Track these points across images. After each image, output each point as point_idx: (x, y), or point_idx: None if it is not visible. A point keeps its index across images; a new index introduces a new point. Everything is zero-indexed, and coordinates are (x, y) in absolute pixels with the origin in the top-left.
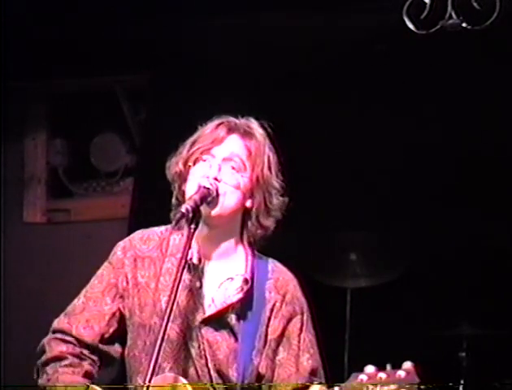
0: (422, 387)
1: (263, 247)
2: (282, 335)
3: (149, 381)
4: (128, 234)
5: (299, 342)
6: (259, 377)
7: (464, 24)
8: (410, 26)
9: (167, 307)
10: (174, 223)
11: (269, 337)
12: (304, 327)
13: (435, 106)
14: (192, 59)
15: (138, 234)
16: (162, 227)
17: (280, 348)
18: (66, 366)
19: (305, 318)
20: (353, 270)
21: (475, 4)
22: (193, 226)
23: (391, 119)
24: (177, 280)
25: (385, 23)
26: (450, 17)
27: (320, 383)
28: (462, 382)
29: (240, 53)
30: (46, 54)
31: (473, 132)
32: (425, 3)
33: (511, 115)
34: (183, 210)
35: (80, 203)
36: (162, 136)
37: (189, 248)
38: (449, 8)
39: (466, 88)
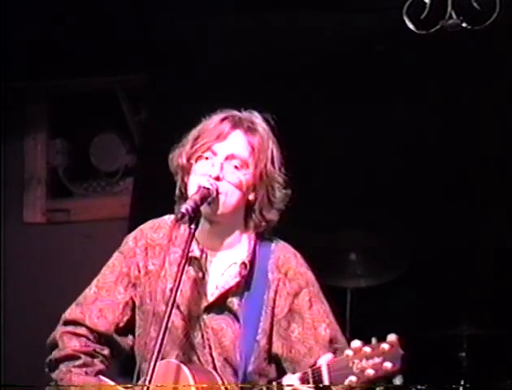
0: (422, 387)
1: None
2: (290, 311)
3: (151, 374)
4: (128, 234)
5: (312, 314)
6: (277, 357)
7: (464, 24)
8: (410, 26)
9: (167, 302)
10: (175, 221)
11: (277, 318)
12: (313, 299)
13: (435, 106)
14: (192, 59)
15: (149, 223)
16: (172, 216)
17: (294, 325)
18: (79, 366)
19: (312, 290)
20: (353, 270)
21: (475, 4)
22: (193, 226)
23: (391, 119)
24: (177, 280)
25: (385, 23)
26: (450, 17)
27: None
28: (462, 382)
29: (240, 53)
30: (46, 54)
31: (473, 131)
32: (425, 3)
33: (511, 115)
34: (183, 210)
35: (80, 203)
36: (162, 136)
37: (189, 248)
38: (449, 8)
39: (466, 87)
